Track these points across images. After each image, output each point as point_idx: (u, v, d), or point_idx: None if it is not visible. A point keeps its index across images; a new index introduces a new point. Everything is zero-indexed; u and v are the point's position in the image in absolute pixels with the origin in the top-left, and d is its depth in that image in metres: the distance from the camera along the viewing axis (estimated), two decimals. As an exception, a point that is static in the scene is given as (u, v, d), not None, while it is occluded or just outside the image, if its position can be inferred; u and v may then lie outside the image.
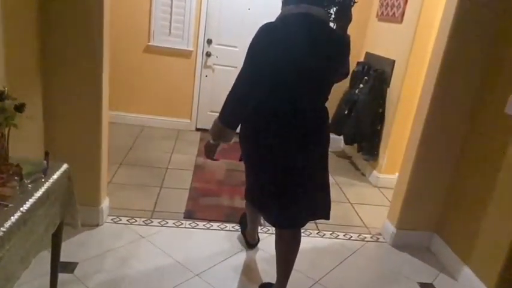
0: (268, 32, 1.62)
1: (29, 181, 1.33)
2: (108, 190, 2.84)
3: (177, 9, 4.11)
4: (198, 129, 4.53)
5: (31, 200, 1.23)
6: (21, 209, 1.18)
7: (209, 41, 4.28)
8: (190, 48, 4.24)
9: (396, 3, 3.59)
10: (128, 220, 2.54)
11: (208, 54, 4.30)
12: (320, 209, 1.93)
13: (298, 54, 1.62)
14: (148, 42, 4.18)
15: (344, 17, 1.81)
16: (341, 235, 2.76)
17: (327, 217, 1.94)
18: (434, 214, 2.71)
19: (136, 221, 2.55)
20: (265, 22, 1.65)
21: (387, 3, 3.80)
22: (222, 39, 4.25)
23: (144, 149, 3.80)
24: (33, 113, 2.10)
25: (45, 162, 1.38)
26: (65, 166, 1.49)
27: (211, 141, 1.77)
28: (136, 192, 2.93)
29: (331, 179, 3.73)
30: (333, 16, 1.79)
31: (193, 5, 4.10)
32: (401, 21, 3.52)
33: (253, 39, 1.64)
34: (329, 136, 1.90)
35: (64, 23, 2.10)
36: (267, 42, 1.62)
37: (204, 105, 4.46)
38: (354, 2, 1.82)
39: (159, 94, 4.38)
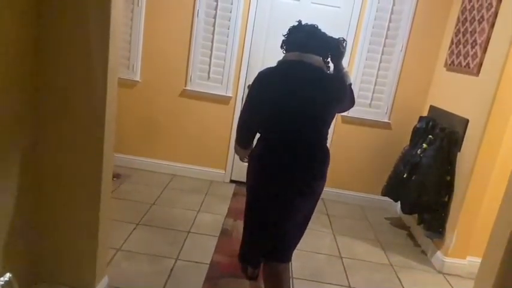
0: (263, 76, 1.93)
1: None
2: (115, 260, 2.44)
3: (218, 53, 3.80)
4: (232, 181, 4.09)
5: None
6: None
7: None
8: (229, 94, 3.88)
9: (471, 52, 3.00)
10: (127, 307, 2.09)
11: (248, 101, 3.91)
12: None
13: (285, 95, 1.87)
14: (185, 86, 3.88)
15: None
16: None
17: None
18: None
19: (137, 308, 2.09)
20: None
21: (459, 51, 3.21)
22: (264, 85, 3.85)
23: (169, 205, 3.39)
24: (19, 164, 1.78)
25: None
26: (4, 279, 1.07)
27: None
28: (147, 264, 2.49)
29: (383, 258, 3.10)
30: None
31: (235, 48, 3.77)
32: (477, 74, 2.91)
33: (253, 81, 1.95)
34: (323, 184, 2.02)
35: (63, 63, 1.78)
36: (260, 85, 1.92)
37: (240, 155, 4.02)
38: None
39: (193, 141, 4.02)
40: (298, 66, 1.91)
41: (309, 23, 2.01)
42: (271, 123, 1.93)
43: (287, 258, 2.09)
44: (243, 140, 2.07)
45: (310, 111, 1.90)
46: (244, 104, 2.03)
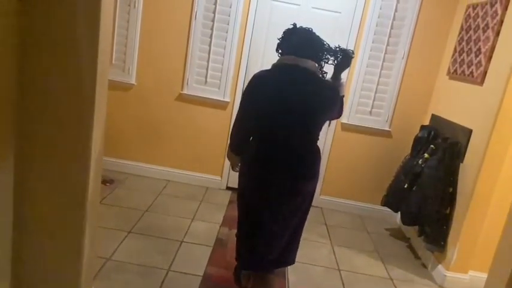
0: (257, 78, 1.97)
1: None
2: (103, 271, 2.34)
3: (216, 57, 3.71)
4: (228, 188, 3.99)
5: None
6: None
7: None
8: (227, 99, 3.79)
9: (475, 61, 2.93)
10: (114, 322, 1.99)
11: (246, 107, 3.83)
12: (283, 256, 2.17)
13: (279, 98, 1.90)
14: (182, 90, 3.79)
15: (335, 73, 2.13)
16: None
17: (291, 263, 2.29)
18: None
19: (124, 324, 1.99)
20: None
21: (463, 60, 3.14)
22: (263, 91, 3.77)
23: (162, 212, 3.29)
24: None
25: None
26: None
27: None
28: (137, 275, 2.39)
29: (383, 271, 3.01)
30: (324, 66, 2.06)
31: (233, 52, 3.69)
32: (481, 83, 2.84)
33: (247, 83, 2.00)
34: (315, 182, 2.08)
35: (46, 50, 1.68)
36: (254, 87, 1.96)
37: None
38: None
39: (189, 146, 3.93)
40: (294, 70, 1.91)
41: (304, 26, 2.00)
42: (264, 124, 1.96)
43: (286, 260, 2.19)
44: (237, 144, 2.09)
45: (303, 115, 1.93)
46: (239, 106, 2.04)
